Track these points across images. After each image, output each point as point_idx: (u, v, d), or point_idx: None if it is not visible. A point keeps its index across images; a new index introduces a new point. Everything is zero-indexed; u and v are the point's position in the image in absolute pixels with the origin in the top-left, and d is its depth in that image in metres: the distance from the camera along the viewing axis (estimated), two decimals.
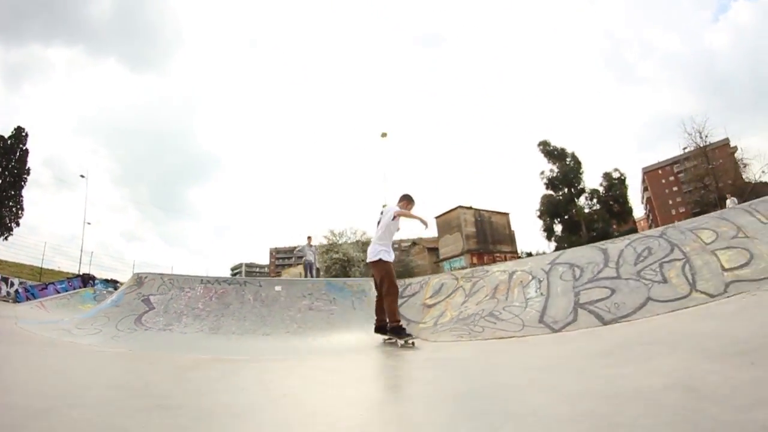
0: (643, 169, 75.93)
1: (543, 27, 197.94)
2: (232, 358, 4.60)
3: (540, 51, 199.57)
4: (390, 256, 5.61)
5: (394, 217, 5.61)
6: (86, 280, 21.00)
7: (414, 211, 5.81)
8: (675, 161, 55.39)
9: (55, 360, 4.03)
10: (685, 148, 46.24)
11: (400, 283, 8.92)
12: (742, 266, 5.53)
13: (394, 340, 5.37)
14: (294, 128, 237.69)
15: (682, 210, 60.10)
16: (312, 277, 14.19)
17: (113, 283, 21.07)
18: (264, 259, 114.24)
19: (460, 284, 7.74)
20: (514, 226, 51.27)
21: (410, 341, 5.15)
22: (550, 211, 53.57)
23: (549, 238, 54.43)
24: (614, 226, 51.67)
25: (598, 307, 5.85)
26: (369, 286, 8.40)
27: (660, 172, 72.20)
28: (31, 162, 35.28)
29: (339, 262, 35.31)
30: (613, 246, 7.09)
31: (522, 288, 6.93)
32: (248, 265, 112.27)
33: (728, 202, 19.93)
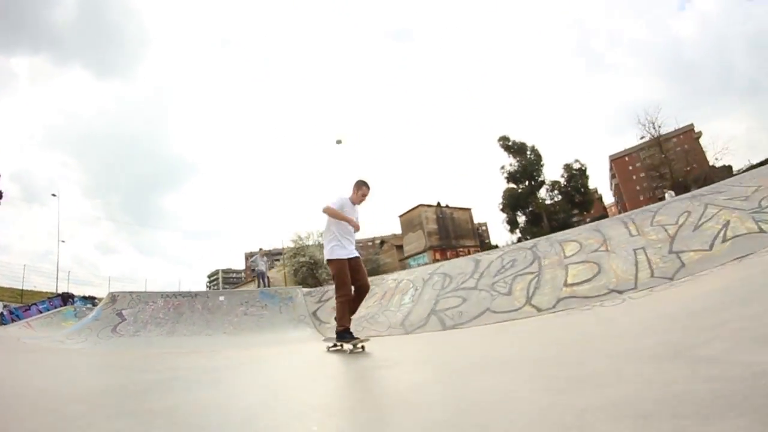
0: (610, 156, 77.43)
1: (506, 17, 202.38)
2: (177, 351, 6.87)
3: (504, 41, 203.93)
4: (341, 252, 4.92)
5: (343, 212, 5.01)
6: (66, 298, 22.26)
7: (369, 198, 5.24)
8: (641, 148, 57.01)
9: (57, 357, 6.29)
10: (642, 138, 47.74)
11: (321, 289, 11.17)
12: (582, 282, 5.80)
13: (339, 346, 4.98)
14: (266, 129, 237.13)
15: (649, 195, 62.74)
16: (264, 285, 16.51)
17: (91, 300, 22.48)
18: (240, 264, 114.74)
19: None
20: (485, 219, 53.43)
21: (359, 345, 4.71)
22: (512, 204, 54.90)
23: (512, 230, 56.41)
24: (576, 216, 53.77)
25: (446, 314, 6.70)
26: (296, 292, 10.67)
27: (626, 159, 73.30)
28: None
29: (306, 265, 35.99)
30: (486, 257, 8.07)
31: (402, 295, 8.33)
32: (225, 271, 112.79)
33: (666, 195, 20.05)
